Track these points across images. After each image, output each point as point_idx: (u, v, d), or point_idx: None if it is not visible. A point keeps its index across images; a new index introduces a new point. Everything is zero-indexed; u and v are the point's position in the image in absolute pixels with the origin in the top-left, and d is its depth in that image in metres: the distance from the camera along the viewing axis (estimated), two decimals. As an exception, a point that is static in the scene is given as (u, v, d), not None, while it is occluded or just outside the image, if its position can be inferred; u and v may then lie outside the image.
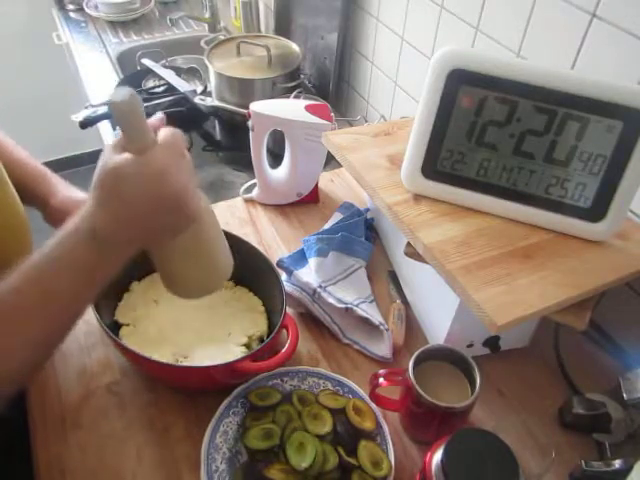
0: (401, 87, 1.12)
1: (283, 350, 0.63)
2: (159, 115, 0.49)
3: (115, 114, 0.43)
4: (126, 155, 0.43)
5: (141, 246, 0.49)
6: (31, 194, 0.72)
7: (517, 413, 0.68)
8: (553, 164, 0.63)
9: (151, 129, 0.46)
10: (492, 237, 0.64)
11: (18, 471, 0.66)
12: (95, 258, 0.45)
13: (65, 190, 0.74)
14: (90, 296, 0.48)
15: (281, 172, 0.96)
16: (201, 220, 0.50)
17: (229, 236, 0.76)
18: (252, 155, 0.93)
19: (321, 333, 0.77)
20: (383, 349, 0.73)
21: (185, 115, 1.27)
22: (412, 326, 0.78)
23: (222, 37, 1.47)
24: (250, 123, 0.90)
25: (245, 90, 1.23)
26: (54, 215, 0.72)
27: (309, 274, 0.77)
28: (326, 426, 0.60)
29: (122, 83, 1.38)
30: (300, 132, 0.90)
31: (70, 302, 0.47)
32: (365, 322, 0.74)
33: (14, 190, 0.65)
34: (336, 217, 0.89)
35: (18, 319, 0.44)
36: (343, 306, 0.74)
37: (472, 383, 0.61)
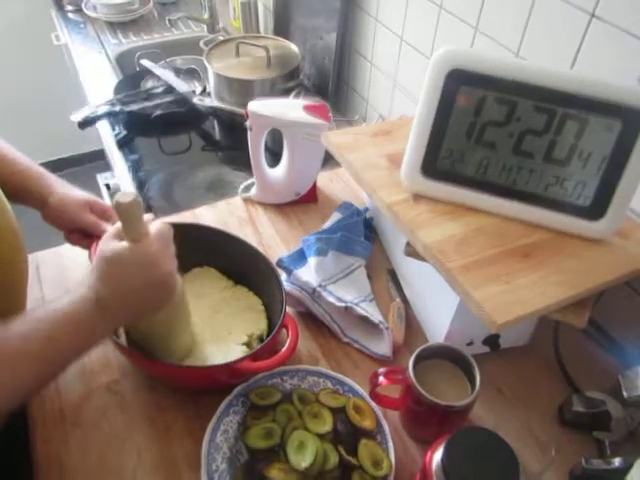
0: (400, 87, 1.12)
1: (283, 349, 0.63)
2: (150, 215, 0.57)
3: (119, 212, 0.52)
4: (124, 243, 0.53)
5: (130, 317, 0.58)
6: (29, 193, 0.72)
7: (517, 411, 0.68)
8: (552, 163, 0.63)
9: (145, 223, 0.54)
10: (492, 236, 0.64)
11: (18, 470, 0.66)
12: (96, 322, 0.52)
13: (63, 188, 0.74)
14: (85, 352, 0.54)
15: (279, 171, 0.97)
16: (176, 299, 0.60)
17: (229, 236, 0.77)
18: (250, 155, 0.93)
19: (321, 332, 0.77)
20: (383, 348, 0.73)
21: (184, 115, 1.28)
22: (412, 325, 0.78)
23: (221, 38, 1.47)
24: (248, 123, 0.90)
25: (244, 90, 1.23)
26: (52, 214, 0.72)
27: (309, 273, 0.77)
28: (326, 425, 0.60)
29: (121, 83, 1.38)
30: (298, 132, 0.90)
31: (69, 355, 0.53)
32: (365, 321, 0.74)
33: (0, 192, 0.65)
34: (335, 217, 0.89)
35: (20, 363, 0.49)
36: (343, 305, 0.74)
37: (472, 381, 0.61)
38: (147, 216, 0.57)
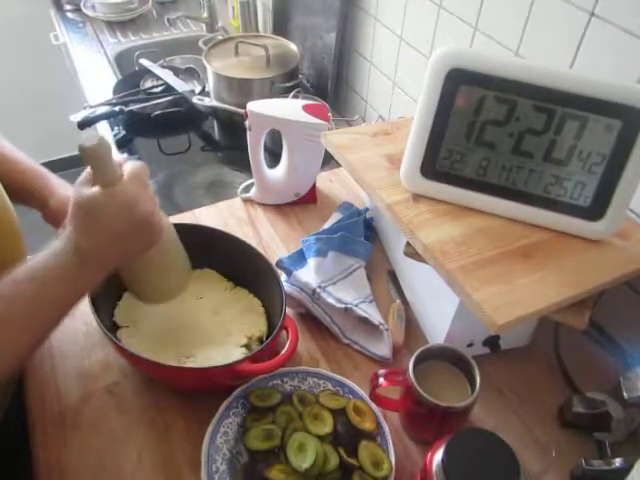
0: (399, 87, 1.12)
1: (283, 351, 0.63)
2: (124, 156, 0.56)
3: (86, 157, 0.50)
4: (96, 188, 0.51)
5: (117, 261, 0.56)
6: (30, 194, 0.72)
7: (517, 412, 0.68)
8: (552, 163, 0.63)
9: (117, 165, 0.52)
10: (492, 237, 0.64)
11: (18, 472, 0.66)
12: (79, 273, 0.52)
13: (64, 189, 0.74)
14: (72, 305, 0.54)
15: (278, 172, 0.96)
16: (164, 236, 0.58)
17: (228, 237, 0.77)
18: (250, 155, 0.93)
19: (321, 333, 0.77)
20: (383, 349, 0.73)
21: (183, 115, 1.27)
22: (412, 326, 0.78)
23: (220, 37, 1.47)
24: (247, 123, 0.90)
25: (243, 90, 1.23)
26: (53, 214, 0.72)
27: (308, 274, 0.77)
28: (326, 426, 0.60)
29: (120, 83, 1.37)
30: (297, 132, 0.90)
31: (56, 310, 0.53)
32: (365, 322, 0.74)
33: (2, 190, 0.65)
34: (335, 217, 0.89)
35: (6, 325, 0.49)
36: (343, 306, 0.74)
37: (472, 382, 0.61)
38: (120, 157, 0.55)
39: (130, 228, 0.52)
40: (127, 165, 0.54)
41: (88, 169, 0.52)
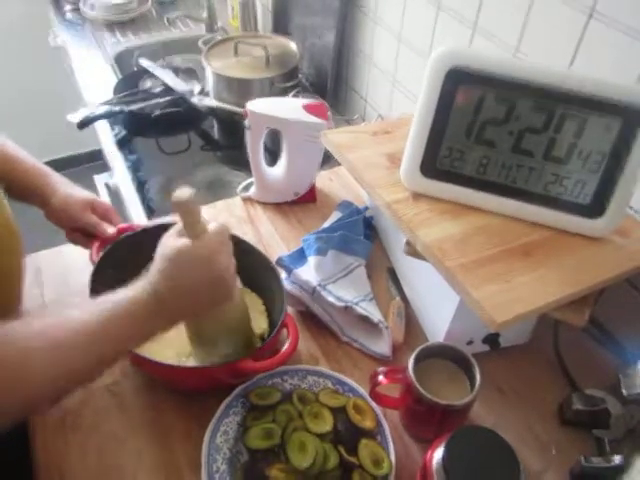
0: (399, 86, 1.12)
1: (283, 349, 0.63)
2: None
3: (179, 210, 0.53)
4: (185, 240, 0.53)
5: (188, 312, 0.57)
6: (32, 192, 0.72)
7: (517, 410, 0.68)
8: (552, 161, 0.63)
9: (204, 219, 0.55)
10: (491, 235, 0.64)
11: (18, 473, 0.66)
12: (152, 316, 0.53)
13: (66, 188, 0.74)
14: (134, 345, 0.56)
15: (278, 171, 0.96)
16: (234, 299, 0.60)
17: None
18: (249, 154, 0.93)
19: (321, 332, 0.77)
20: (383, 347, 0.73)
21: (183, 115, 1.27)
22: (412, 324, 0.78)
23: (219, 37, 1.47)
24: (247, 122, 0.90)
25: (243, 90, 1.23)
26: (55, 213, 0.72)
27: (309, 272, 0.77)
28: (326, 425, 0.60)
29: (120, 83, 1.37)
30: (297, 131, 0.90)
31: (120, 345, 0.53)
32: (365, 320, 0.74)
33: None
34: (335, 216, 0.89)
35: (75, 346, 0.49)
36: (342, 304, 0.74)
37: (472, 380, 0.61)
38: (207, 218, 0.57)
39: (206, 280, 0.54)
40: (213, 222, 0.56)
41: (179, 224, 0.54)
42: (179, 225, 0.54)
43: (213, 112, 1.28)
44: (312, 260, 0.78)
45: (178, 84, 1.31)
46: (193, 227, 0.53)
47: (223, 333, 0.63)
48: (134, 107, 1.26)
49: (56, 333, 0.48)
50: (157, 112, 1.25)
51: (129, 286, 0.53)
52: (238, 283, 0.60)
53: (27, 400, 0.47)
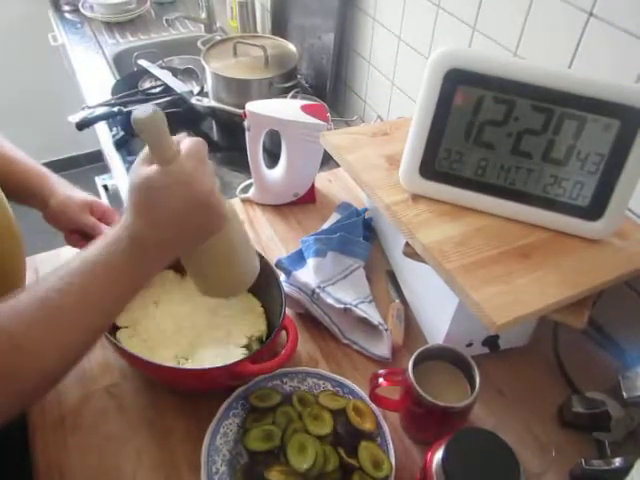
0: (398, 87, 1.12)
1: (282, 352, 0.63)
2: (183, 134, 0.51)
3: (139, 130, 0.46)
4: (154, 167, 0.46)
5: (175, 250, 0.51)
6: (31, 194, 0.72)
7: (517, 412, 0.68)
8: (551, 163, 0.63)
9: (174, 141, 0.48)
10: (491, 236, 0.64)
11: (18, 474, 0.66)
12: (134, 263, 0.47)
13: (65, 190, 0.74)
14: (126, 301, 0.50)
15: (277, 172, 0.96)
16: (227, 223, 0.53)
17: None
18: (248, 155, 0.93)
19: (320, 334, 0.77)
20: (382, 349, 0.73)
21: (182, 116, 1.27)
22: (411, 326, 0.78)
23: (218, 37, 1.47)
24: (246, 123, 0.90)
25: (242, 90, 1.23)
26: (54, 214, 0.72)
27: (308, 274, 0.77)
28: (326, 427, 0.60)
29: (119, 84, 1.37)
30: (296, 132, 0.90)
31: (108, 306, 0.48)
32: (364, 322, 0.74)
33: (0, 192, 0.65)
34: (334, 217, 0.89)
35: (60, 319, 0.45)
36: (342, 306, 0.74)
37: (472, 382, 0.61)
38: (179, 135, 0.51)
39: (188, 209, 0.47)
40: (184, 141, 0.49)
41: (145, 149, 0.48)
42: (145, 150, 0.48)
43: (212, 113, 1.28)
44: (311, 262, 0.78)
45: (177, 85, 1.31)
46: (162, 150, 0.46)
47: (227, 260, 0.56)
48: (133, 108, 1.26)
49: (35, 313, 0.44)
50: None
51: (101, 236, 0.48)
52: (228, 203, 0.53)
53: (20, 389, 0.44)
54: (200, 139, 0.50)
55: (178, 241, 0.50)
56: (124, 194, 1.11)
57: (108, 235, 0.47)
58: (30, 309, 0.44)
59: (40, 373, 0.45)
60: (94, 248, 0.47)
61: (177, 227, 0.48)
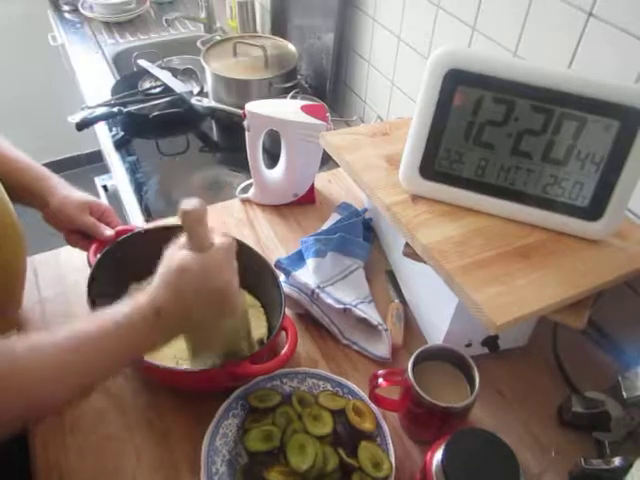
0: (398, 87, 1.12)
1: (282, 352, 0.63)
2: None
3: (184, 220, 0.51)
4: (190, 253, 0.52)
5: (188, 325, 0.56)
6: (30, 193, 0.72)
7: (516, 412, 0.68)
8: (551, 163, 0.63)
9: (211, 232, 0.54)
10: (490, 237, 0.64)
11: (17, 475, 0.66)
12: (150, 332, 0.51)
13: (64, 190, 0.74)
14: (128, 364, 0.55)
15: (277, 172, 0.96)
16: (236, 315, 0.59)
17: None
18: (248, 155, 0.93)
19: (320, 334, 0.77)
20: (382, 349, 0.73)
21: (182, 116, 1.27)
22: (411, 326, 0.78)
23: (218, 37, 1.47)
24: (246, 123, 0.90)
25: (242, 91, 1.23)
26: (54, 215, 0.72)
27: (307, 275, 0.77)
28: (326, 427, 0.60)
29: (118, 84, 1.37)
30: (295, 132, 0.90)
31: (115, 365, 0.53)
32: (364, 322, 0.74)
33: (4, 192, 0.65)
34: (334, 218, 0.89)
35: (68, 373, 0.48)
36: (342, 307, 0.74)
37: (471, 383, 0.61)
38: (212, 230, 0.56)
39: (209, 295, 0.53)
40: (219, 237, 0.55)
41: (184, 236, 0.53)
42: (184, 238, 0.53)
43: (212, 113, 1.28)
44: (311, 262, 0.78)
45: (177, 85, 1.31)
46: (199, 239, 0.52)
47: (222, 343, 0.62)
48: (132, 108, 1.26)
49: (49, 350, 0.47)
50: (156, 113, 1.25)
51: (128, 301, 0.52)
52: (241, 299, 0.59)
53: (23, 412, 0.47)
54: (232, 238, 0.56)
55: (194, 319, 0.54)
56: (123, 195, 1.11)
57: (137, 301, 0.51)
58: (46, 347, 0.47)
59: (37, 404, 0.47)
60: (121, 309, 0.51)
61: (196, 308, 0.53)
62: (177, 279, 0.52)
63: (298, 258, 0.81)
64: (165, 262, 0.53)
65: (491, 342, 0.71)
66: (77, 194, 0.74)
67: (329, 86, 1.30)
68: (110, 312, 0.50)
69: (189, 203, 0.50)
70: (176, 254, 0.52)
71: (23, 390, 0.45)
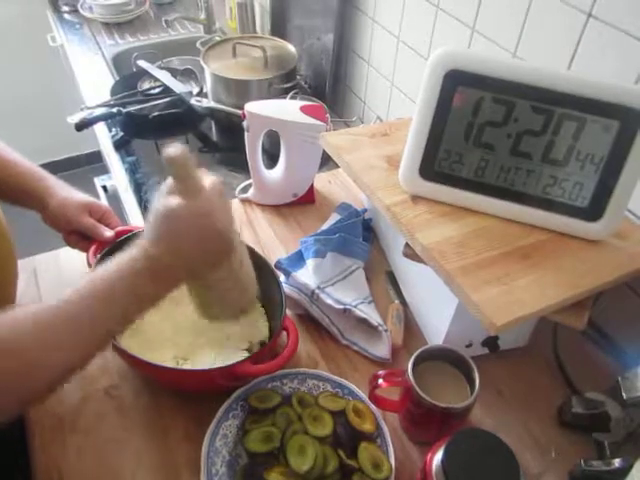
0: (397, 88, 1.12)
1: (283, 353, 0.63)
2: (202, 169, 0.55)
3: (170, 166, 0.49)
4: (180, 199, 0.50)
5: (185, 277, 0.55)
6: (29, 196, 0.72)
7: (517, 413, 0.68)
8: (550, 164, 0.63)
9: (199, 177, 0.52)
10: (490, 237, 0.64)
11: (17, 476, 0.66)
12: (148, 284, 0.50)
13: (63, 191, 0.73)
14: (133, 319, 0.52)
15: (276, 172, 0.96)
16: (235, 254, 0.57)
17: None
18: (247, 155, 0.93)
19: (320, 335, 0.76)
20: (382, 350, 0.73)
21: (181, 116, 1.27)
22: (411, 326, 0.78)
23: (218, 38, 1.47)
24: (245, 124, 0.89)
25: (241, 91, 1.23)
26: (53, 217, 0.72)
27: (307, 275, 0.77)
28: (326, 428, 0.60)
29: (118, 84, 1.37)
30: (295, 133, 0.90)
31: (118, 322, 0.51)
32: (364, 323, 0.74)
33: None
34: (334, 218, 0.89)
35: (69, 329, 0.47)
36: (342, 307, 0.74)
37: (471, 383, 0.61)
38: (201, 172, 0.54)
39: (203, 239, 0.51)
40: (208, 178, 0.53)
41: (170, 180, 0.51)
42: (170, 184, 0.51)
43: (211, 113, 1.28)
44: (310, 263, 0.78)
45: (176, 85, 1.31)
46: (188, 185, 0.50)
47: (228, 292, 0.59)
48: (132, 108, 1.26)
49: (49, 318, 0.47)
50: (155, 114, 1.25)
51: (122, 255, 0.50)
52: (238, 236, 0.57)
53: (29, 383, 0.46)
54: (219, 181, 0.54)
55: (192, 265, 0.53)
56: (123, 195, 1.11)
57: (125, 255, 0.50)
58: (47, 314, 0.47)
59: (41, 380, 0.47)
60: (111, 266, 0.49)
61: (191, 255, 0.52)
62: (171, 228, 0.50)
63: (298, 258, 0.81)
64: (156, 211, 0.51)
65: (491, 342, 0.71)
66: (77, 196, 0.74)
67: (329, 87, 1.30)
68: (107, 271, 0.49)
69: (174, 148, 0.49)
70: (167, 201, 0.51)
71: (24, 354, 0.45)
